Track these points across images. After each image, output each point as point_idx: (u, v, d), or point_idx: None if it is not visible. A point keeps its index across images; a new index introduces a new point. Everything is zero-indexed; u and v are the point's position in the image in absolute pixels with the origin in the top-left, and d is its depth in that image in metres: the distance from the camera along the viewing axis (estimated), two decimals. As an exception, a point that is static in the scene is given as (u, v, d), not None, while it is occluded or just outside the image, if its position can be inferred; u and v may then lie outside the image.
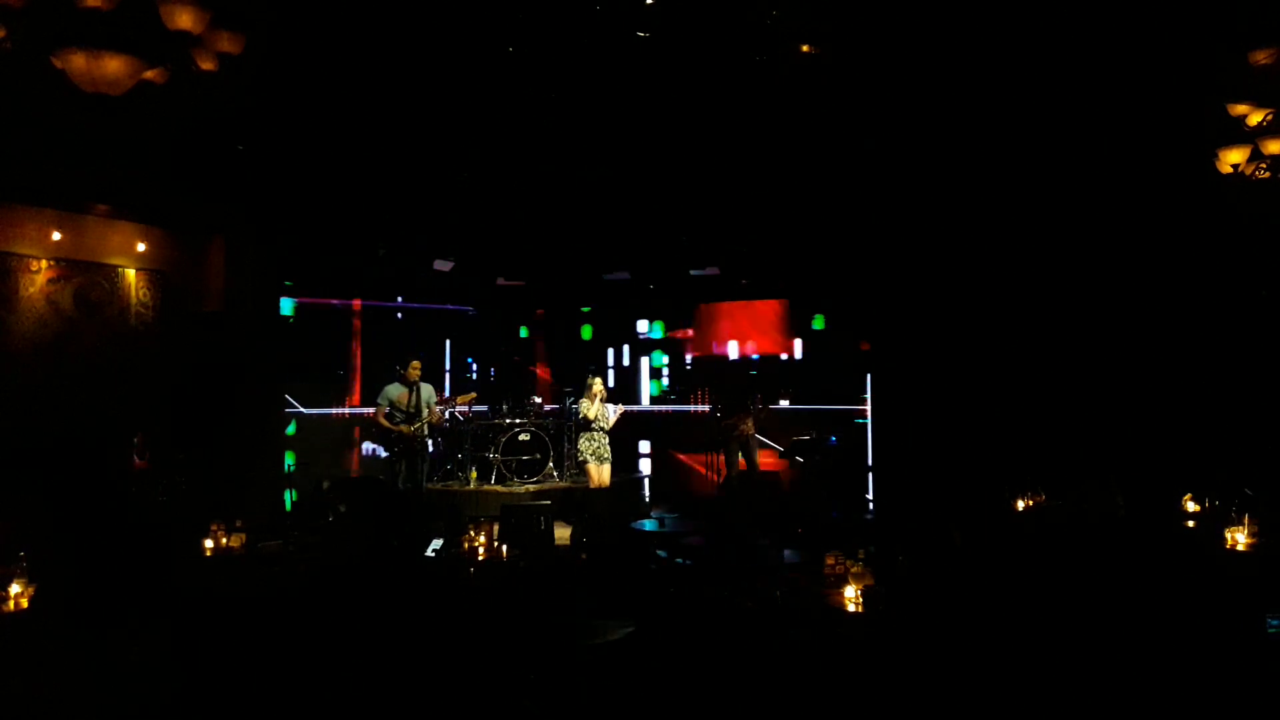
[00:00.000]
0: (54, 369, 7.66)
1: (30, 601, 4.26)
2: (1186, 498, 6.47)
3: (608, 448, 9.49)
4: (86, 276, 7.97)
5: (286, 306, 10.54)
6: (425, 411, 9.30)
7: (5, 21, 3.92)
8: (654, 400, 13.56)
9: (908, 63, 6.65)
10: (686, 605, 5.09)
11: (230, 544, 5.74)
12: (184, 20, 4.06)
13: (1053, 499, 6.84)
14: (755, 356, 12.79)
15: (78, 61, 3.96)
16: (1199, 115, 6.06)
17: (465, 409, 10.89)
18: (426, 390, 9.40)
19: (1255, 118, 5.57)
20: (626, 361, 13.73)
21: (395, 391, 9.26)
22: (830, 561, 4.72)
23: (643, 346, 13.63)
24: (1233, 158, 5.75)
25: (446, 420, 10.40)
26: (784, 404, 12.19)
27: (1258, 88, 5.43)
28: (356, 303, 12.00)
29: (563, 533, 7.54)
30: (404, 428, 9.15)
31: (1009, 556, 5.39)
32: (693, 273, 11.72)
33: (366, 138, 7.92)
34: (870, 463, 11.12)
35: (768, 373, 12.47)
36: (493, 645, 4.19)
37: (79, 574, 4.96)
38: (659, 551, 6.79)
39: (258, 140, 7.65)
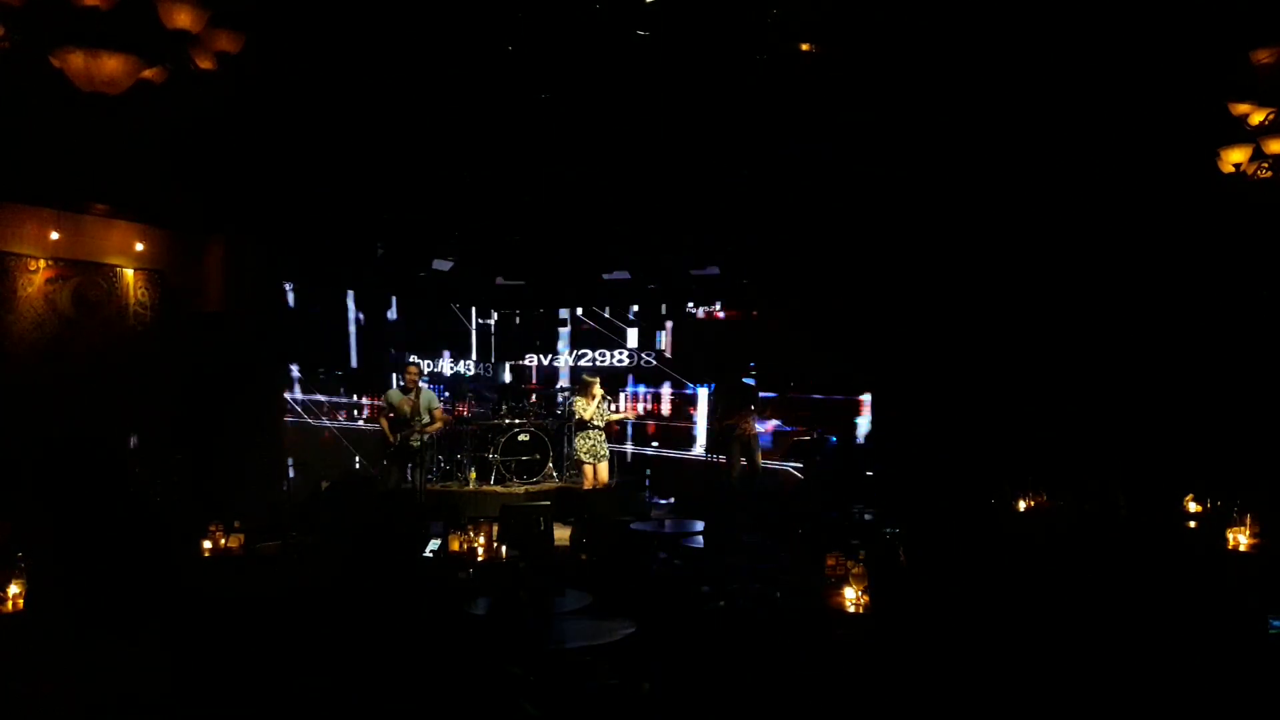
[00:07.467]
0: (52, 369, 7.63)
1: (28, 602, 4.25)
2: (1188, 498, 6.47)
3: (604, 445, 9.53)
4: (85, 276, 7.95)
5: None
6: (426, 417, 9.21)
7: (4, 20, 3.90)
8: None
9: (908, 58, 6.63)
10: (686, 605, 5.08)
11: (229, 544, 5.73)
12: (182, 19, 4.03)
13: (1055, 499, 6.84)
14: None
15: (76, 60, 3.94)
16: (1200, 115, 6.04)
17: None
18: (426, 396, 9.33)
19: (1257, 117, 5.54)
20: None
21: (395, 397, 9.19)
22: (830, 562, 4.72)
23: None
24: (1234, 157, 5.72)
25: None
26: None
27: (1259, 87, 5.41)
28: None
29: (563, 533, 7.53)
30: (393, 436, 9.08)
31: (1010, 556, 5.39)
32: (693, 273, 11.69)
33: (366, 137, 7.90)
34: (870, 463, 11.08)
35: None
36: (491, 646, 4.18)
37: (78, 574, 4.95)
38: (659, 552, 6.78)
39: (258, 140, 7.62)
